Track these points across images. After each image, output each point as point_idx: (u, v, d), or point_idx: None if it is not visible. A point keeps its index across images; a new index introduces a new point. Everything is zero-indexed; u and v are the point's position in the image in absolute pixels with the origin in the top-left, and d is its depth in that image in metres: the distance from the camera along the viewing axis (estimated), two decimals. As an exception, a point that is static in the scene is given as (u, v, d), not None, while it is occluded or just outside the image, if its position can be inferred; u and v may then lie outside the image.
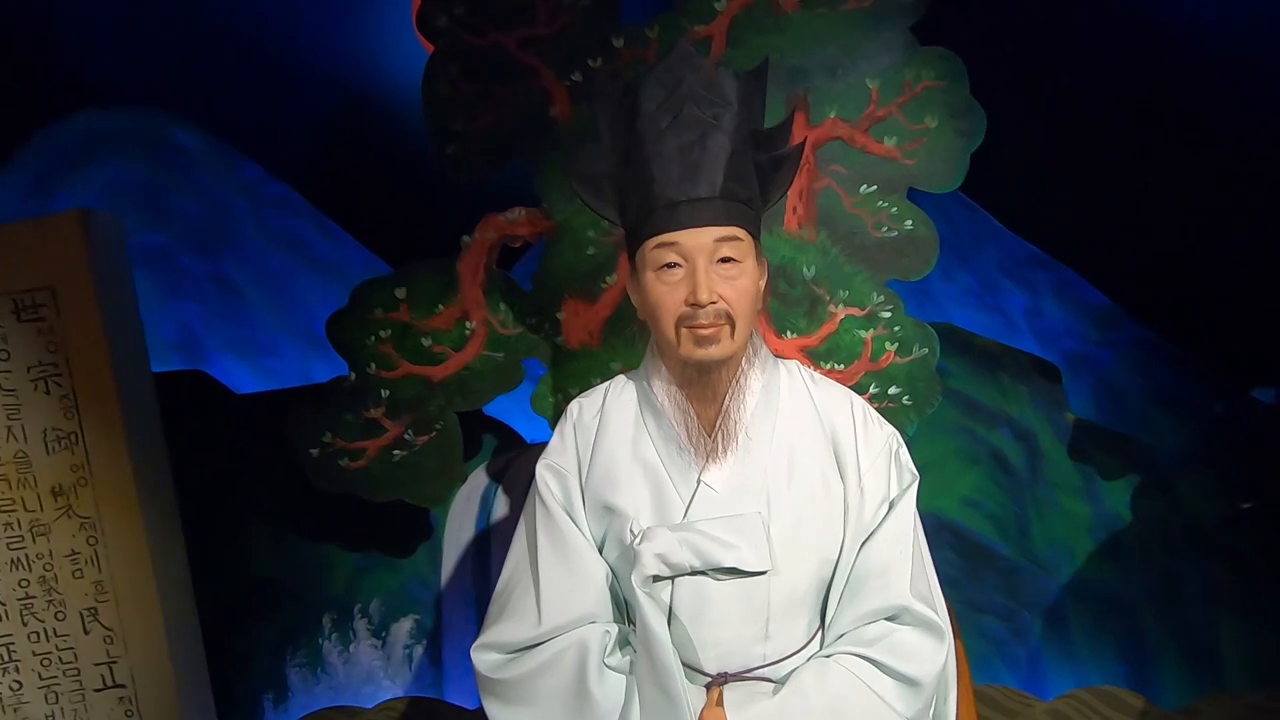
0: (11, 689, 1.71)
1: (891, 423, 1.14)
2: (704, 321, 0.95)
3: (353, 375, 1.77)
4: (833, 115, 1.65)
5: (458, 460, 1.83)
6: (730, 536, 0.99)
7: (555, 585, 1.03)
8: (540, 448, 1.14)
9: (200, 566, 1.91)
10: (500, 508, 2.01)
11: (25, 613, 1.70)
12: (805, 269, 1.67)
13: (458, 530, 2.02)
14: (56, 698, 1.74)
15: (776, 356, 1.13)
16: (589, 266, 1.72)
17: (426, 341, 1.75)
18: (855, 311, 1.67)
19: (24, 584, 1.69)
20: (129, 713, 1.76)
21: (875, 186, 1.65)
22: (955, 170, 1.65)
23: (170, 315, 2.01)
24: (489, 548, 2.01)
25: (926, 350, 1.67)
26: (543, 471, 1.09)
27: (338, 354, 1.77)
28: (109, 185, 2.06)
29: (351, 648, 2.06)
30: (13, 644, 1.70)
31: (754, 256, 1.00)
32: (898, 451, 1.10)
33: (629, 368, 1.17)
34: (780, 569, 1.00)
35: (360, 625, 2.06)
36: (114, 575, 1.72)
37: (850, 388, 1.30)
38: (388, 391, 1.76)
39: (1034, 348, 2.38)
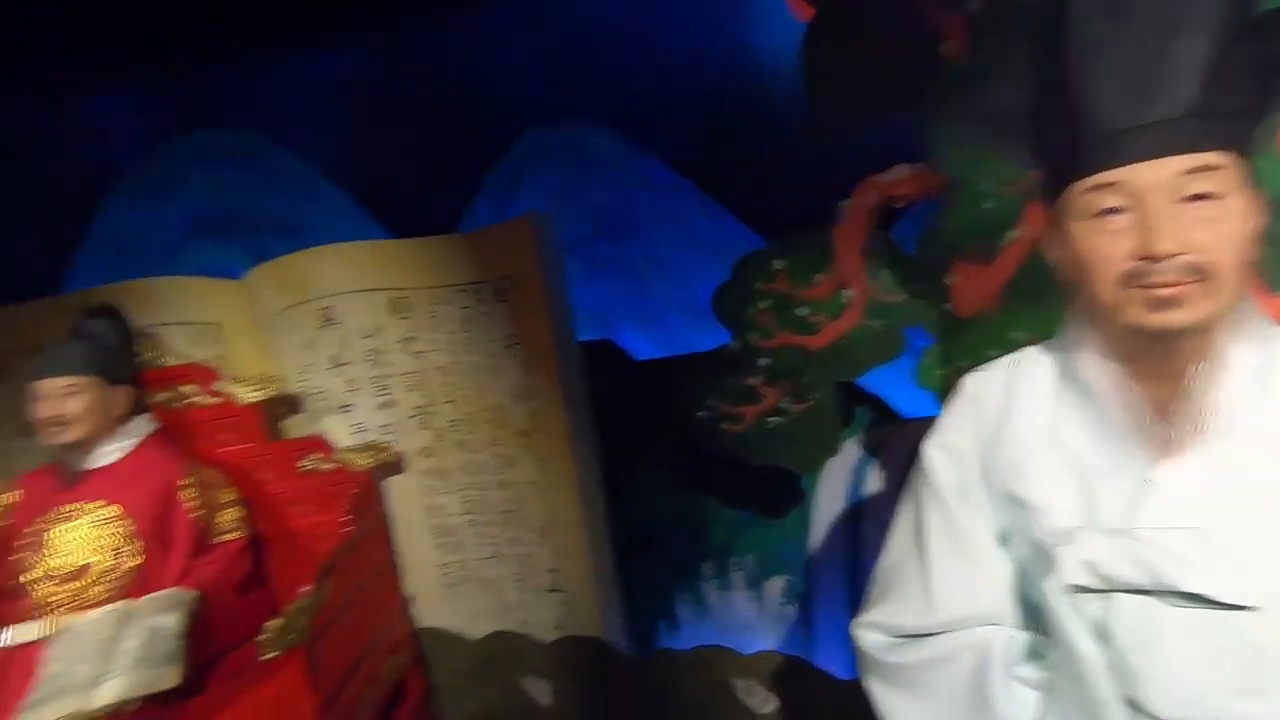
0: (497, 578, 2.24)
1: None
2: (1164, 279, 0.75)
3: (735, 344, 1.88)
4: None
5: (831, 430, 1.84)
6: (1192, 553, 0.78)
7: (949, 576, 0.95)
8: (918, 424, 1.06)
9: (612, 504, 2.22)
10: (873, 482, 1.96)
11: (505, 523, 2.21)
12: (1314, 202, 1.18)
13: (829, 499, 2.04)
14: (523, 590, 2.24)
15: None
16: (986, 222, 1.53)
17: (804, 311, 1.77)
18: None
19: (504, 500, 2.19)
20: (567, 614, 2.20)
21: None
22: None
23: (589, 293, 2.34)
24: (860, 522, 1.98)
25: None
26: (933, 452, 1.00)
27: (721, 325, 1.89)
28: (548, 187, 2.50)
29: (731, 595, 2.23)
30: (498, 545, 2.23)
31: (1242, 190, 0.76)
32: None
33: (1036, 338, 1.00)
34: (1274, 608, 0.76)
35: (737, 576, 2.21)
36: (557, 502, 2.14)
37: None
38: (767, 360, 1.83)
39: None
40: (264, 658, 1.60)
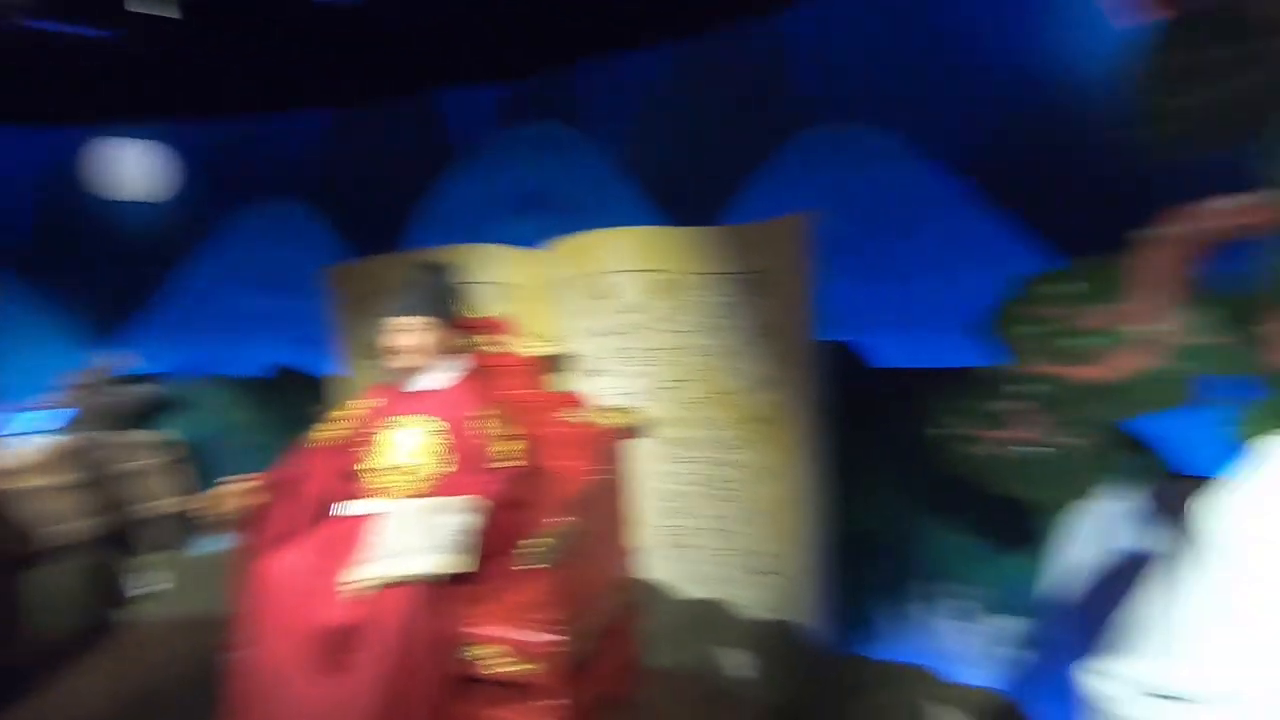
0: (717, 550, 2.35)
1: None
2: None
3: (998, 366, 1.77)
4: None
5: (1088, 471, 1.69)
6: None
7: (1217, 645, 0.90)
8: (1200, 482, 1.00)
9: (836, 502, 2.22)
10: (1133, 534, 1.75)
11: (730, 499, 2.32)
12: None
13: (1075, 543, 1.85)
14: (737, 567, 2.34)
15: None
16: None
17: (1077, 342, 1.62)
18: None
19: (735, 479, 2.30)
20: (778, 598, 2.27)
21: None
22: None
23: (848, 294, 2.28)
24: (1110, 572, 1.75)
25: None
26: (1240, 521, 0.92)
27: (990, 344, 1.78)
28: (819, 186, 2.49)
29: (940, 618, 2.18)
30: (724, 519, 2.35)
31: None
32: None
33: None
34: None
35: (955, 603, 2.15)
36: (783, 491, 2.23)
37: None
38: (1030, 388, 1.70)
39: None
40: (521, 568, 1.85)
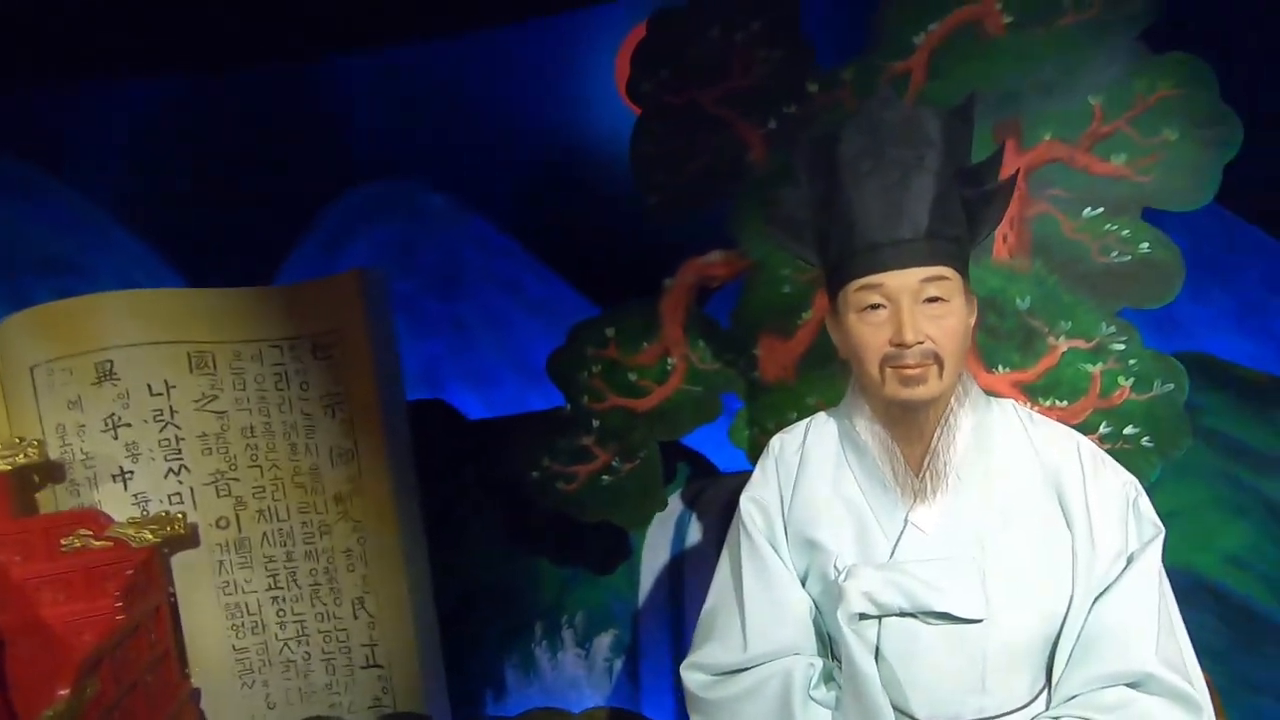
0: (303, 659, 2.04)
1: (1129, 466, 1.05)
2: (910, 361, 0.94)
3: (568, 406, 1.94)
4: (1049, 137, 1.55)
5: (659, 486, 1.94)
6: (941, 580, 0.96)
7: (759, 614, 1.07)
8: (734, 478, 1.21)
9: (435, 569, 2.11)
10: (694, 533, 2.08)
11: (314, 597, 2.03)
12: (1018, 300, 1.58)
13: (654, 552, 2.14)
14: (334, 670, 2.05)
15: (989, 394, 1.10)
16: (785, 304, 1.75)
17: (632, 376, 1.88)
18: (1080, 344, 1.55)
19: (314, 573, 2.02)
20: (385, 690, 2.06)
21: (1101, 209, 1.53)
22: (1204, 184, 1.49)
23: (417, 351, 2.25)
24: (683, 570, 2.09)
25: (1172, 385, 1.50)
26: (746, 504, 1.13)
27: (556, 387, 1.93)
28: (375, 244, 2.44)
29: (559, 655, 2.22)
30: (305, 622, 2.03)
31: (962, 295, 0.98)
32: (1136, 500, 1.01)
33: (825, 403, 1.17)
34: (997, 619, 0.95)
35: (567, 635, 2.22)
36: (375, 571, 2.01)
37: (1076, 426, 1.17)
38: (598, 421, 1.91)
39: (1317, 379, 2.01)
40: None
